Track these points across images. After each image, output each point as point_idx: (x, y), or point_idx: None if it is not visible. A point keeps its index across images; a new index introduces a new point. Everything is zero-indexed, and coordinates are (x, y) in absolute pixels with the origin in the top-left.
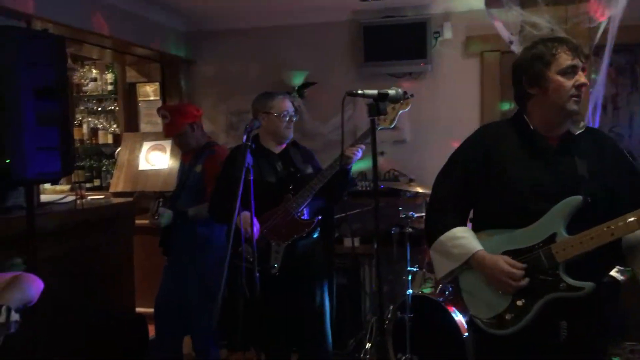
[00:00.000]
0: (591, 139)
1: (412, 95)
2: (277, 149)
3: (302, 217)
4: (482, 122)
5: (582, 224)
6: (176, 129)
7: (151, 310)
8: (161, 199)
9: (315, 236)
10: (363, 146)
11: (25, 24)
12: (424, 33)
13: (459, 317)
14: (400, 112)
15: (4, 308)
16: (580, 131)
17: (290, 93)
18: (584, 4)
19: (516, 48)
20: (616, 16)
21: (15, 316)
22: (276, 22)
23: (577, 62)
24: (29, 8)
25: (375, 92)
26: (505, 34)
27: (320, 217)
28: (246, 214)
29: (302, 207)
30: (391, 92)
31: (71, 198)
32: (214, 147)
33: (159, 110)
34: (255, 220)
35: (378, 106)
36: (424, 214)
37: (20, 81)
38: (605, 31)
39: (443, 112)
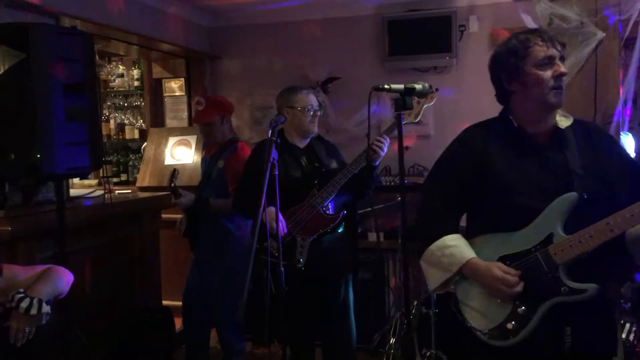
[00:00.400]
0: (581, 131)
1: (436, 90)
2: (302, 144)
3: (327, 212)
4: None
5: (581, 221)
6: (207, 118)
7: (177, 303)
8: (177, 170)
9: (340, 231)
10: (388, 139)
11: (53, 20)
12: (449, 26)
13: None
14: (425, 106)
15: (35, 300)
16: (568, 124)
17: (314, 88)
18: None
19: None
20: None
21: (46, 308)
22: (300, 16)
23: (552, 52)
24: (57, 5)
25: (401, 86)
26: (533, 27)
27: (345, 212)
28: (271, 210)
29: (327, 202)
30: (418, 86)
31: (99, 192)
32: (237, 143)
33: (194, 96)
34: (280, 216)
35: (404, 101)
36: None
37: (50, 77)
38: (636, 23)
39: (468, 106)
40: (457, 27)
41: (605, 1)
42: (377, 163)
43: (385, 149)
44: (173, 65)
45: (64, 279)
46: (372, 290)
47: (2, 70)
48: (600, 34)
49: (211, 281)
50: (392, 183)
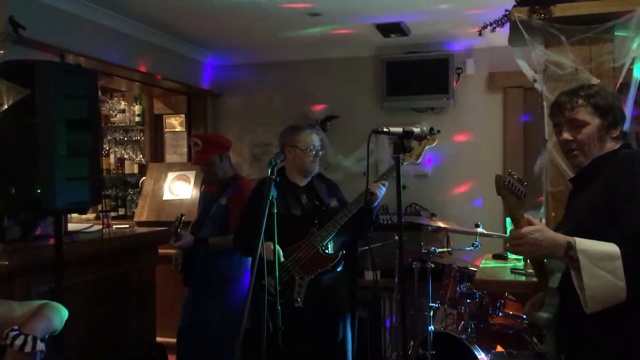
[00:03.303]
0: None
1: (438, 131)
2: (303, 182)
3: (326, 251)
4: (505, 158)
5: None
6: (206, 157)
7: (171, 339)
8: (183, 214)
9: (339, 270)
10: (386, 182)
11: (59, 58)
12: (447, 69)
13: (481, 355)
14: (427, 147)
15: (29, 337)
16: None
17: (313, 126)
18: (608, 43)
19: (540, 86)
20: None
21: (40, 345)
22: (300, 56)
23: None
24: (62, 43)
25: (400, 129)
26: (529, 72)
27: (345, 251)
28: (269, 244)
29: (327, 241)
30: (416, 130)
31: (97, 227)
32: (240, 180)
33: (191, 137)
34: (279, 247)
35: (403, 143)
36: (445, 249)
37: (54, 113)
38: (630, 69)
39: (465, 147)
40: (454, 69)
41: (599, 49)
42: (376, 204)
43: (383, 191)
44: (174, 101)
45: (59, 315)
46: (368, 329)
47: (6, 106)
48: (595, 81)
49: (206, 319)
50: (390, 222)
